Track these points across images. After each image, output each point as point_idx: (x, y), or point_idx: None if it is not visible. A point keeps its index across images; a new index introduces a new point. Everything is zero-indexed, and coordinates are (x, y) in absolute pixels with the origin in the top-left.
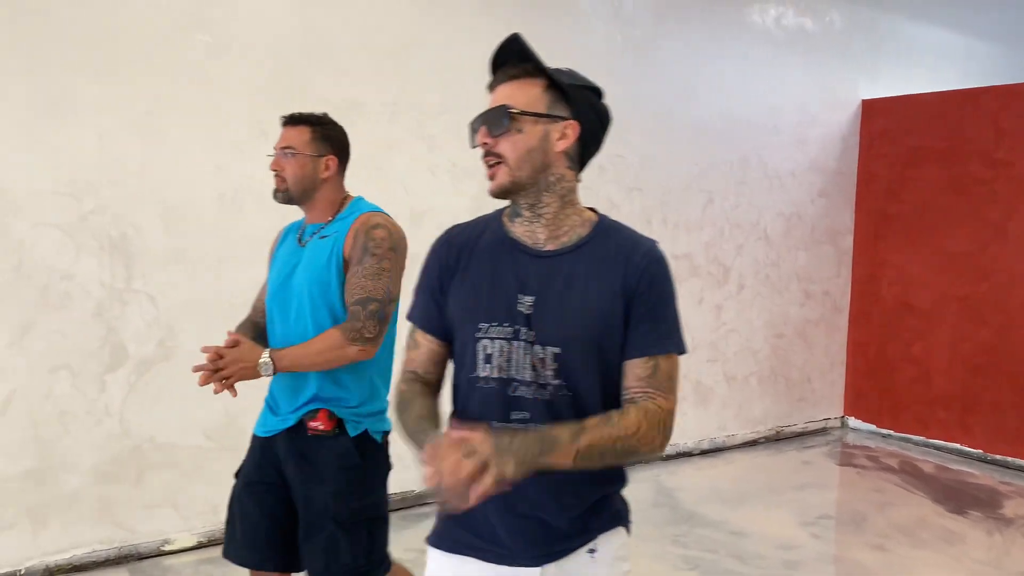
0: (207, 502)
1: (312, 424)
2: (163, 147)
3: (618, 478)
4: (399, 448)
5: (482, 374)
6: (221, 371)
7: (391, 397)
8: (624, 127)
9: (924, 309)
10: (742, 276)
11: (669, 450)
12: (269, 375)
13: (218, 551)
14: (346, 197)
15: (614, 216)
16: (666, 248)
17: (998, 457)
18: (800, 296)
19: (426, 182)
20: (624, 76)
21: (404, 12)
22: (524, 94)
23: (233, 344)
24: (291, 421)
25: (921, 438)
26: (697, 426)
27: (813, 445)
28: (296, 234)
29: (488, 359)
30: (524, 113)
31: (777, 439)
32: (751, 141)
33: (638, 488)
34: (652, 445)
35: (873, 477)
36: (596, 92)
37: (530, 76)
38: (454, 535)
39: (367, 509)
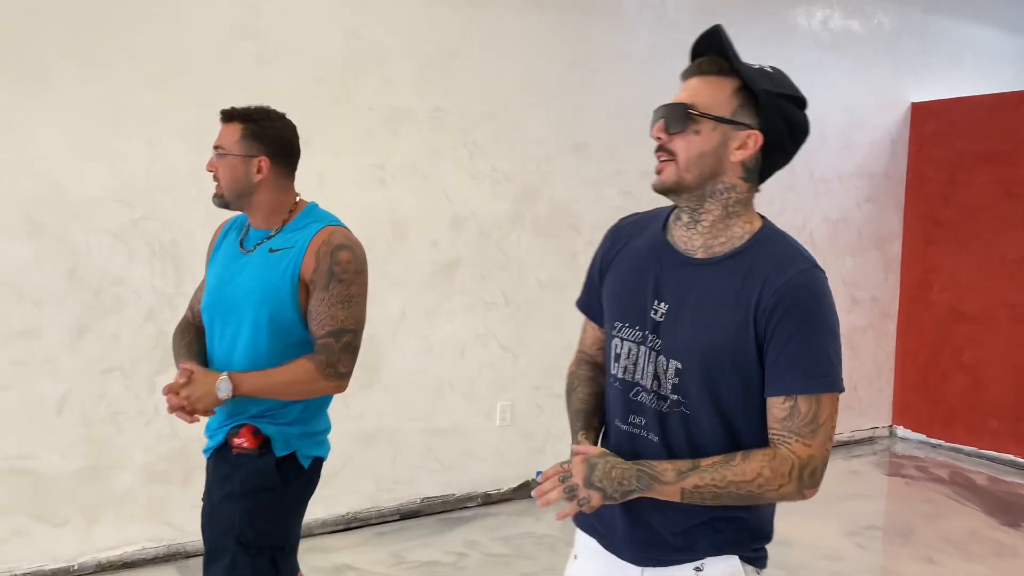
0: None
1: (236, 441)
2: (211, 154)
3: (745, 510)
4: (437, 450)
5: (612, 371)
6: (184, 408)
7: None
8: None
9: (975, 316)
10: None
11: None
12: (226, 397)
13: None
14: (296, 203)
15: None
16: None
17: None
18: (847, 302)
19: (468, 188)
20: (668, 81)
21: (447, 20)
22: (711, 93)
23: (187, 379)
24: (220, 437)
25: (973, 448)
26: None
27: (860, 455)
28: (238, 235)
29: (617, 358)
30: (704, 115)
31: None
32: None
33: None
34: (781, 493)
35: (922, 488)
36: (797, 102)
37: (723, 74)
38: (586, 516)
39: (276, 537)
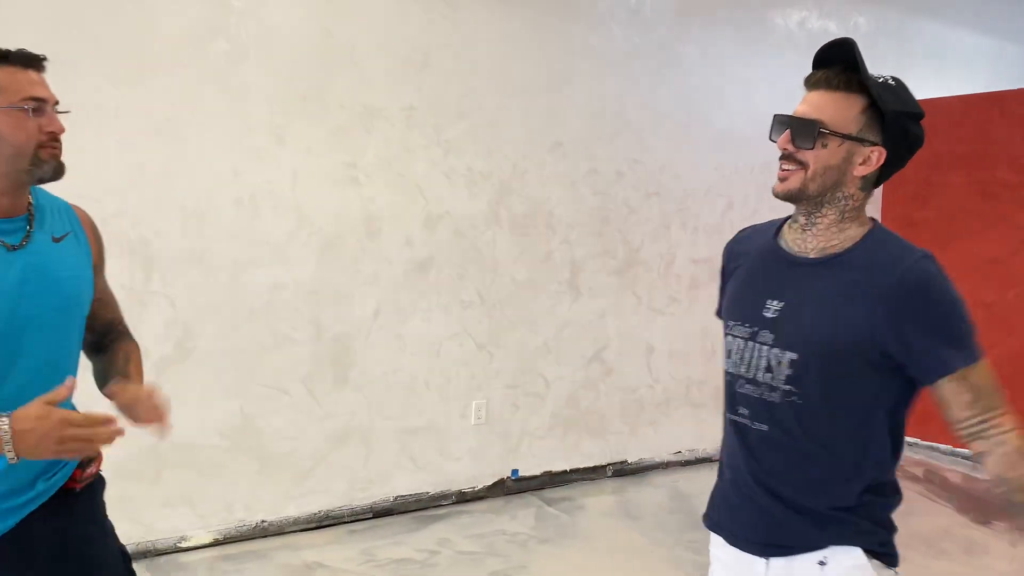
0: (222, 501)
1: (89, 471)
2: (182, 152)
3: (865, 500)
4: (411, 449)
5: (725, 367)
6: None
7: None
8: (643, 132)
9: None
10: None
11: (687, 455)
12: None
13: (233, 548)
14: None
15: (631, 221)
16: (685, 253)
17: None
18: None
19: (442, 186)
20: (642, 80)
21: (420, 18)
22: (839, 111)
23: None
24: (59, 479)
25: (948, 447)
26: (717, 432)
27: None
28: None
29: (729, 354)
30: (834, 133)
31: None
32: (773, 146)
33: (654, 494)
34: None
35: None
36: (916, 117)
37: (851, 91)
38: (710, 515)
39: None
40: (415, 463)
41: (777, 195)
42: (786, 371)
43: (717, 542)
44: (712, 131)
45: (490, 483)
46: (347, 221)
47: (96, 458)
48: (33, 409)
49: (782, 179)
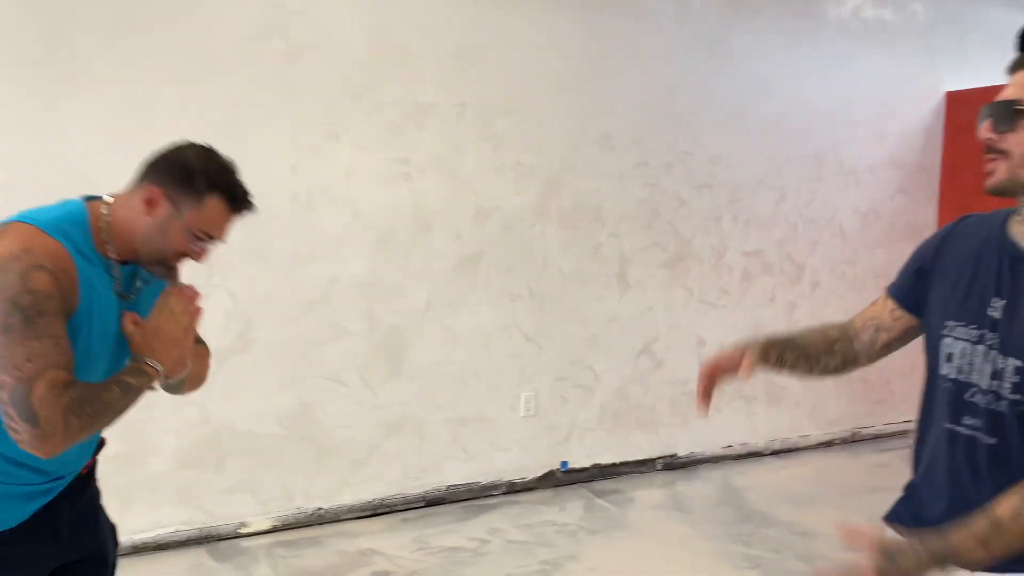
0: (282, 487)
1: (94, 459)
2: (241, 150)
3: None
4: (462, 439)
5: (943, 372)
6: None
7: None
8: (694, 125)
9: None
10: (816, 273)
11: (739, 449)
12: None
13: (292, 535)
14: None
15: (681, 213)
16: (736, 245)
17: None
18: (878, 295)
19: (492, 181)
20: (693, 73)
21: (470, 13)
22: None
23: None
24: (78, 471)
25: None
26: (768, 426)
27: (891, 448)
28: (110, 276)
29: (949, 358)
30: None
31: (854, 441)
32: (827, 136)
33: (704, 487)
34: None
35: None
36: None
37: None
38: (901, 510)
39: None
40: (466, 453)
41: (988, 191)
42: (1011, 378)
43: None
44: (763, 122)
45: (540, 474)
46: (399, 216)
47: (100, 445)
48: (146, 331)
49: (989, 172)
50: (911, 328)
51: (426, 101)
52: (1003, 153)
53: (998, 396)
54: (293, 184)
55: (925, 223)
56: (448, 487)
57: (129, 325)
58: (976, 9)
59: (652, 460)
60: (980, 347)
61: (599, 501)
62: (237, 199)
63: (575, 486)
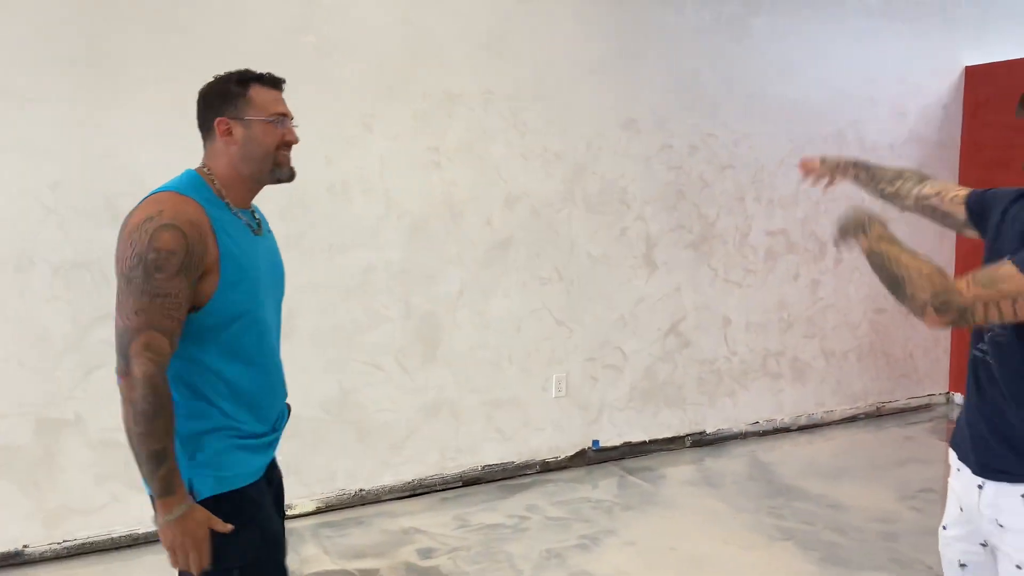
0: (325, 470)
1: None
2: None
3: None
4: (497, 420)
5: None
6: None
7: None
8: (716, 106)
9: None
10: (839, 251)
11: (765, 425)
12: None
13: (336, 516)
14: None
15: (706, 195)
16: (760, 225)
17: None
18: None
19: (520, 168)
20: (715, 55)
21: (496, 3)
22: None
23: None
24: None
25: None
26: (794, 402)
27: (916, 421)
28: (237, 218)
29: None
30: None
31: (878, 415)
32: (847, 114)
33: (733, 463)
34: (915, 300)
35: None
36: None
37: None
38: (954, 436)
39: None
40: (501, 434)
41: None
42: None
43: (953, 460)
44: (784, 103)
45: (572, 453)
46: (432, 204)
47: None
48: (197, 521)
49: None
50: (954, 216)
51: (455, 90)
52: None
53: (1001, 324)
54: (329, 175)
55: None
56: (484, 467)
57: (200, 519)
58: None
59: (681, 437)
60: None
61: (631, 478)
62: (265, 77)
63: (607, 464)
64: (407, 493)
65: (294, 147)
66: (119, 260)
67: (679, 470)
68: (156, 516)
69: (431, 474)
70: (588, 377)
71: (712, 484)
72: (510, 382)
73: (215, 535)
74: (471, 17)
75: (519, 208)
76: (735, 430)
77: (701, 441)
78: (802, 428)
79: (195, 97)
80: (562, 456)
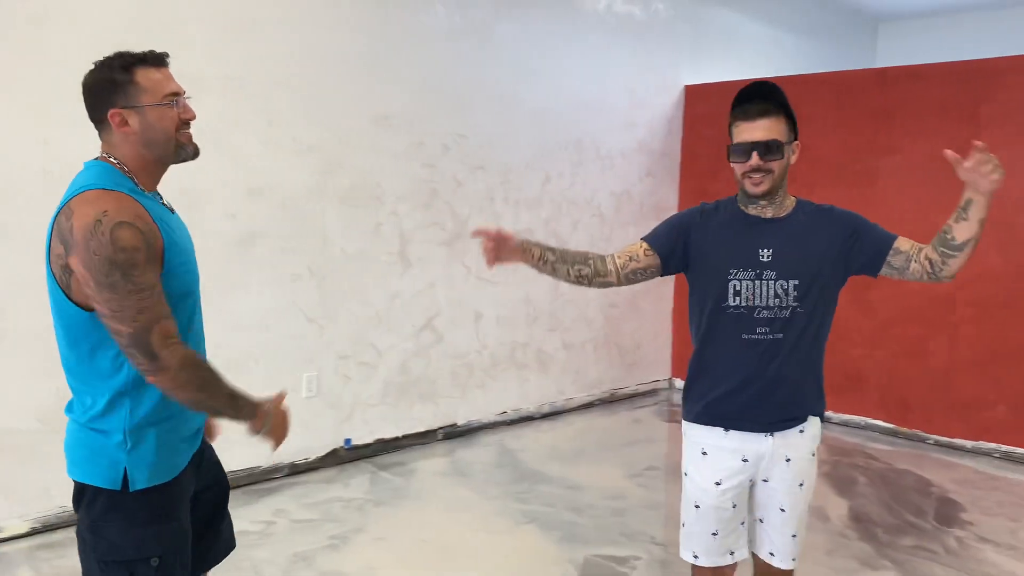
0: (40, 487)
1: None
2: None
3: (816, 381)
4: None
5: (732, 303)
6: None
7: None
8: (467, 107)
9: None
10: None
11: (512, 415)
12: None
13: (54, 536)
14: None
15: (459, 194)
16: (508, 224)
17: None
18: None
19: (267, 158)
20: (466, 58)
21: None
22: (781, 129)
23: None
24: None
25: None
26: (538, 391)
27: (643, 405)
28: (157, 202)
29: (737, 293)
30: (785, 145)
31: (612, 400)
32: (585, 124)
33: (482, 452)
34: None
35: None
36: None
37: (779, 114)
38: (714, 413)
39: None
40: (245, 438)
41: (757, 196)
42: (793, 293)
43: (716, 433)
44: (530, 108)
45: (323, 453)
46: (169, 194)
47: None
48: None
49: (757, 184)
50: (655, 266)
51: (195, 72)
52: (769, 172)
53: (781, 307)
54: (45, 158)
55: (668, 203)
56: (228, 473)
57: (278, 405)
58: (708, 10)
59: (433, 431)
60: (760, 281)
61: (383, 474)
62: (148, 57)
63: (359, 462)
64: None
65: (2, 125)
66: (88, 269)
67: (431, 463)
68: (251, 431)
69: None
70: (341, 376)
71: (462, 474)
72: (256, 384)
73: (139, 527)
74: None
75: (266, 200)
76: (485, 420)
77: (453, 433)
78: (545, 416)
79: None
80: (312, 457)
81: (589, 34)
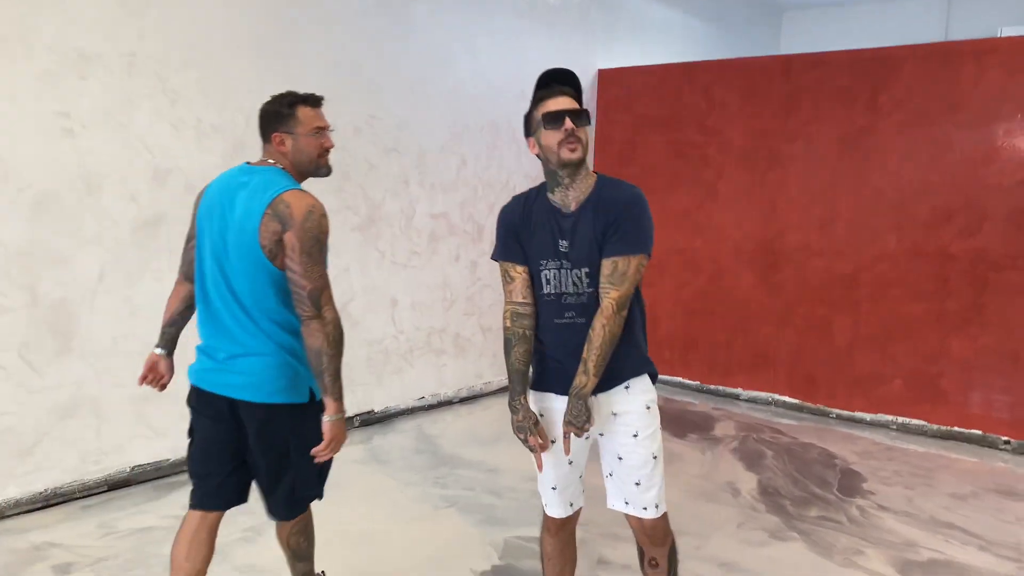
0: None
1: None
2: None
3: (632, 350)
4: (148, 417)
5: (545, 291)
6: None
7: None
8: (378, 89)
9: (652, 262)
10: (493, 234)
11: (430, 400)
12: None
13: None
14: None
15: (372, 177)
16: (424, 208)
17: (711, 387)
18: None
19: (170, 139)
20: (378, 39)
21: None
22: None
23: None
24: None
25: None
26: (456, 376)
27: None
28: None
29: (547, 282)
30: (589, 117)
31: None
32: (500, 108)
33: (400, 439)
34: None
35: None
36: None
37: (575, 95)
38: (544, 382)
39: None
40: (153, 431)
41: (571, 163)
42: (585, 280)
43: (551, 397)
44: (444, 91)
45: None
46: (62, 176)
47: None
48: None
49: (572, 150)
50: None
51: (89, 49)
52: (580, 140)
53: (578, 294)
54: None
55: None
56: (134, 468)
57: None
58: None
59: (349, 419)
60: (562, 270)
61: None
62: (307, 98)
63: None
64: (39, 505)
65: None
66: (300, 240)
67: (348, 451)
68: (325, 415)
69: (69, 481)
70: None
71: (380, 461)
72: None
73: (315, 432)
74: None
75: (171, 183)
76: (403, 406)
77: (370, 420)
78: (463, 400)
79: None
80: None
81: (503, 17)
